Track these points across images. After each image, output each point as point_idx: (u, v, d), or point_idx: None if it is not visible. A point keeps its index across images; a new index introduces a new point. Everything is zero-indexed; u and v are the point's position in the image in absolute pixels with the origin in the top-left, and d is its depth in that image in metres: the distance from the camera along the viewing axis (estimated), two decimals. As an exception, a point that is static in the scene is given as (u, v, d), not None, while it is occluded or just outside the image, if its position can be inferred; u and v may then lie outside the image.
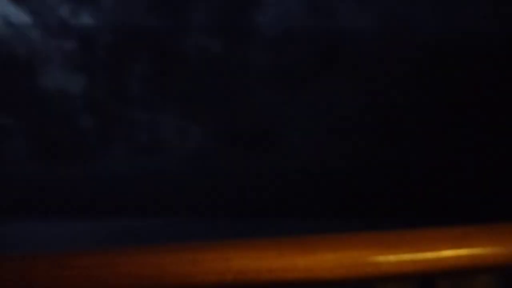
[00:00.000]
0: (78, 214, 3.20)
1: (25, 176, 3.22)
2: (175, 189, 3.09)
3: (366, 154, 2.88)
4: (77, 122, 3.18)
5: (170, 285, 1.26)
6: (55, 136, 3.21)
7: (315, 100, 2.93)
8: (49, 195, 3.22)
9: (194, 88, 3.08)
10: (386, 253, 1.18)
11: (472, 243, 1.17)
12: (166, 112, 3.12)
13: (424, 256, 1.17)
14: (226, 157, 2.98)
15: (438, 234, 1.20)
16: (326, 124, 2.91)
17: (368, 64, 2.89)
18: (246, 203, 2.95)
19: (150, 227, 3.08)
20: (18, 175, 3.22)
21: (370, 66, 2.90)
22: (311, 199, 2.87)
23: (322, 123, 2.91)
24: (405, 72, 2.85)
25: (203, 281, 1.26)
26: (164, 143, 3.15)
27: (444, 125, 2.65)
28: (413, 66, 2.88)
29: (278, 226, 2.70)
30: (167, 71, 3.13)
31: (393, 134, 2.83)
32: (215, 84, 3.04)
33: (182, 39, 3.07)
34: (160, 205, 3.16)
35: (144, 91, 3.15)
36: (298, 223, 2.76)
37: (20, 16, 3.09)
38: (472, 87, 2.80)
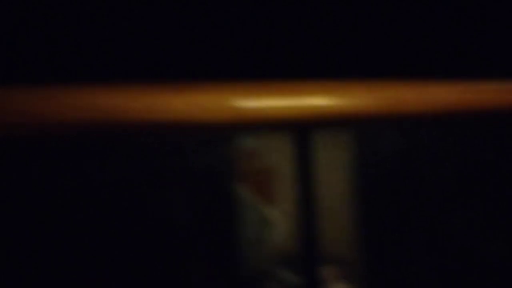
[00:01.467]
0: None
1: None
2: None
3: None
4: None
5: (25, 122, 1.19)
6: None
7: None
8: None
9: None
10: (264, 99, 1.17)
11: (347, 94, 1.19)
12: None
13: (301, 102, 1.17)
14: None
15: (315, 85, 1.21)
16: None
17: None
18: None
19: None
20: None
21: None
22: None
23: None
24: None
25: (66, 117, 1.19)
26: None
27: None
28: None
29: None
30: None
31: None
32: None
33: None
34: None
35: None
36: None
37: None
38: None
